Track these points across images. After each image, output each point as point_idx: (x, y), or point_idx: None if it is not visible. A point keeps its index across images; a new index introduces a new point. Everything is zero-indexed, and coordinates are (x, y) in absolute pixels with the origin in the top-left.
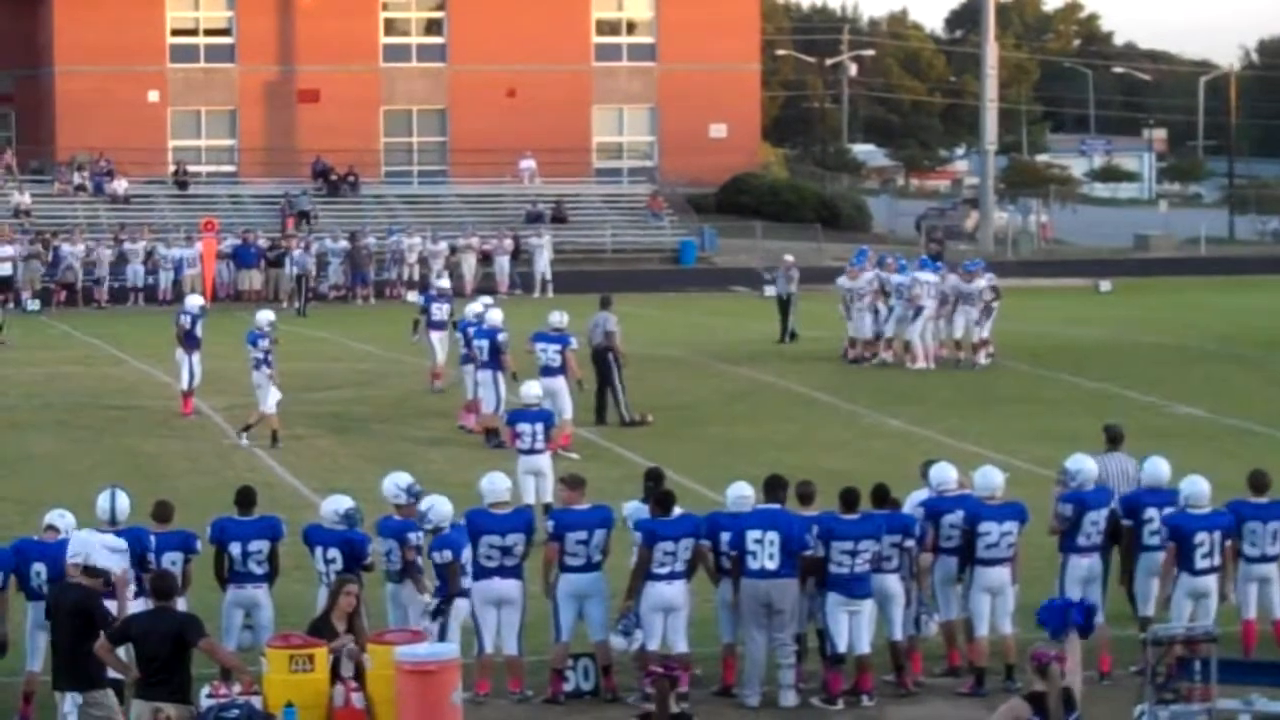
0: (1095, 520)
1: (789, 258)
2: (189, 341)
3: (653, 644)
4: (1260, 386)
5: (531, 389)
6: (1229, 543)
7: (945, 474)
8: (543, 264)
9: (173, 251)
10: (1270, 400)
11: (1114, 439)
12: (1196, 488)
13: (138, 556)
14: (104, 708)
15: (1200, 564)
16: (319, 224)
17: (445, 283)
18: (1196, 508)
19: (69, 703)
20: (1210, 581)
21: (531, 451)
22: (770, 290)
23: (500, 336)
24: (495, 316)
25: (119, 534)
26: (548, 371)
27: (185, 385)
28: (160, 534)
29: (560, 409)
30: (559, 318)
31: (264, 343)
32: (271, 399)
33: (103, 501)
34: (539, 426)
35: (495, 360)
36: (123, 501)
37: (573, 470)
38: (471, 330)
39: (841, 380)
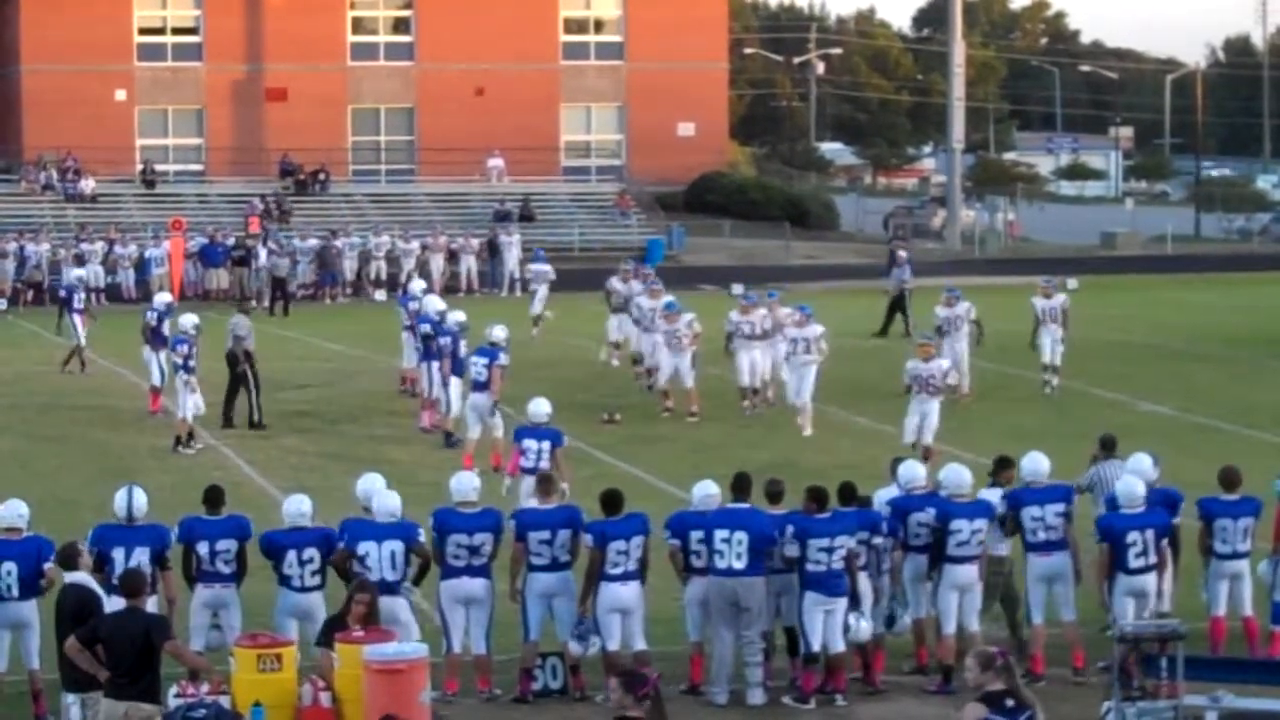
0: (1038, 517)
1: (902, 253)
2: (156, 339)
3: (612, 645)
4: (1226, 384)
5: (541, 406)
6: (1163, 541)
7: (914, 472)
8: (512, 262)
9: (130, 250)
10: (1236, 398)
11: (1107, 446)
12: (1129, 488)
13: (158, 553)
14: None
15: (1134, 563)
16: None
17: (418, 284)
18: (1130, 508)
19: (69, 696)
20: (1147, 580)
21: (536, 471)
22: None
23: (443, 340)
24: (452, 318)
25: (138, 530)
26: (476, 386)
27: (156, 382)
28: (128, 531)
29: (490, 426)
30: (494, 332)
31: (182, 348)
32: (188, 406)
33: (120, 499)
34: (545, 445)
35: (454, 363)
36: (140, 498)
37: (544, 472)
38: (428, 327)
39: None
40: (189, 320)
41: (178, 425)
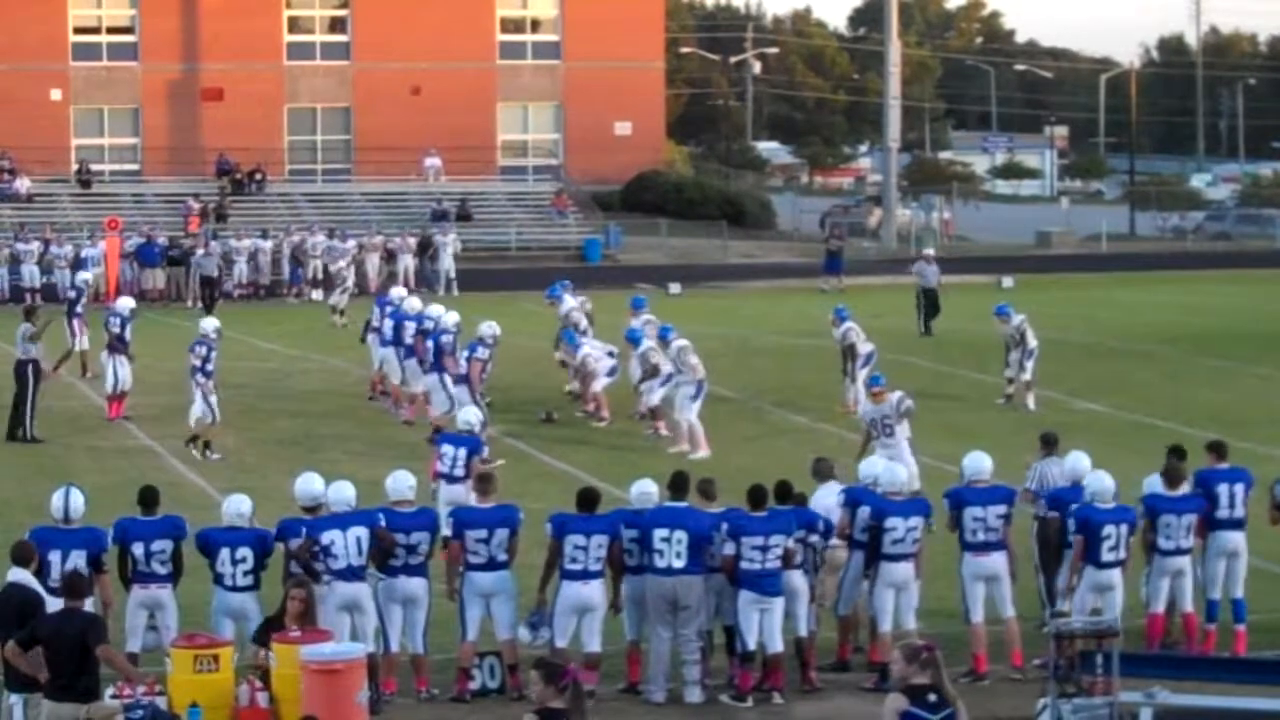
0: (979, 517)
1: (929, 251)
2: (119, 344)
3: (561, 642)
4: (1160, 381)
5: (468, 415)
6: (1132, 538)
7: (873, 469)
8: (448, 261)
9: (66, 250)
10: (1170, 395)
11: (1048, 443)
12: (1102, 484)
13: (94, 556)
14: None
15: (1106, 557)
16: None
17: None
18: (1103, 503)
19: (12, 697)
20: (1115, 575)
21: (451, 478)
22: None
23: (444, 338)
24: (449, 319)
25: (74, 532)
26: (458, 380)
27: (110, 389)
28: (64, 533)
29: None
30: (481, 327)
31: (201, 350)
32: (198, 410)
33: (57, 500)
34: (462, 452)
35: (439, 362)
36: (77, 500)
37: (484, 470)
38: (426, 325)
39: (746, 377)
40: (210, 324)
41: (190, 427)
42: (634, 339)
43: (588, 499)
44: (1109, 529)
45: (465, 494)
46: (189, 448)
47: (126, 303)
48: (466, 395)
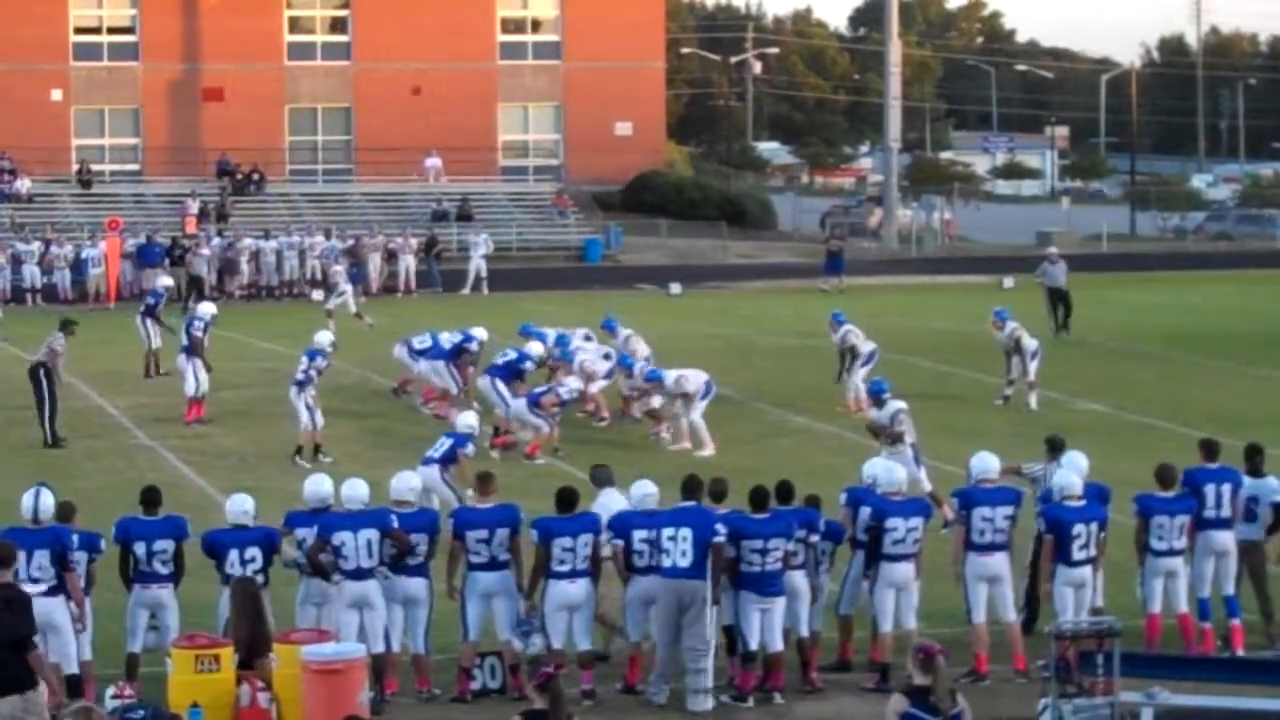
0: (988, 517)
1: (1053, 249)
2: (200, 349)
3: (557, 642)
4: (1160, 382)
5: (466, 419)
6: (1103, 534)
7: (874, 469)
8: (479, 262)
9: (66, 250)
10: (1170, 395)
11: (1054, 448)
12: (1069, 480)
13: (58, 555)
14: (36, 707)
15: (1077, 555)
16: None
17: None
18: (1072, 500)
19: None
20: (1086, 573)
21: (428, 460)
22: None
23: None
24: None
25: (39, 533)
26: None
27: (192, 392)
28: (30, 533)
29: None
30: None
31: (319, 361)
32: (304, 420)
33: (27, 499)
34: (448, 441)
35: (534, 393)
36: (47, 500)
37: (486, 469)
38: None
39: (747, 377)
40: (325, 337)
41: (302, 436)
42: (626, 364)
43: (568, 499)
44: (1079, 528)
45: (435, 480)
46: (296, 460)
47: (208, 308)
48: (523, 406)
